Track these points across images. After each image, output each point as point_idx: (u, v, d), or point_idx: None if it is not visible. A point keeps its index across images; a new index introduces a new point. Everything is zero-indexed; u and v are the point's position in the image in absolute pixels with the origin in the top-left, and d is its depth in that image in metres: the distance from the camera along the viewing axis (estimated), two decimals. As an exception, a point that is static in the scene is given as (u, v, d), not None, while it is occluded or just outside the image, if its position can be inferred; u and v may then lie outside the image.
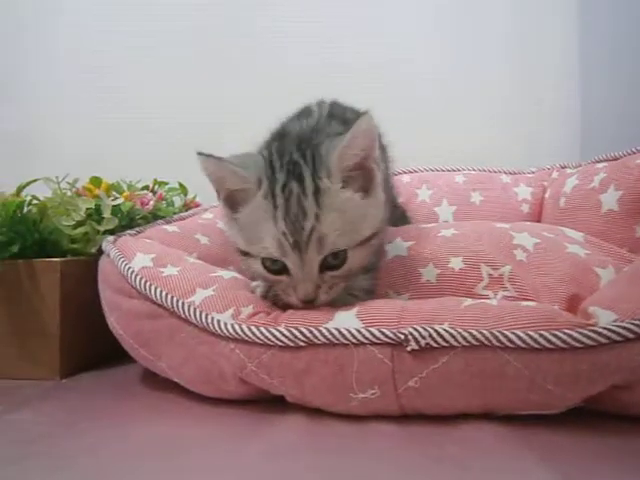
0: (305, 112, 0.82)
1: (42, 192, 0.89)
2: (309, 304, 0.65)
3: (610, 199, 0.94)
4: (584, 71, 1.39)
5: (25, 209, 0.84)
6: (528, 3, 1.42)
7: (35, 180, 0.87)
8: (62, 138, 1.34)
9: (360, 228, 0.66)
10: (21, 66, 1.38)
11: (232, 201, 0.69)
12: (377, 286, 0.74)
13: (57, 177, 0.90)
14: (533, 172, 1.21)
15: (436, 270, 0.71)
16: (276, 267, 0.66)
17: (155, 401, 0.71)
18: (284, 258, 0.64)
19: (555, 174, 1.16)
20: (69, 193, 0.93)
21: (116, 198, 0.90)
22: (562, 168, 1.17)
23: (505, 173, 1.21)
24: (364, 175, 0.67)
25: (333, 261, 0.65)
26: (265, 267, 0.66)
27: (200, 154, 0.66)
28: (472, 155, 1.32)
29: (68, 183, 0.92)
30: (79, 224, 0.85)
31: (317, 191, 0.64)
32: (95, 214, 0.89)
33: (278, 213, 0.64)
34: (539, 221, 1.13)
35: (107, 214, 0.86)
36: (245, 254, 0.69)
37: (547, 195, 1.14)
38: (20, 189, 0.85)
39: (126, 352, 0.77)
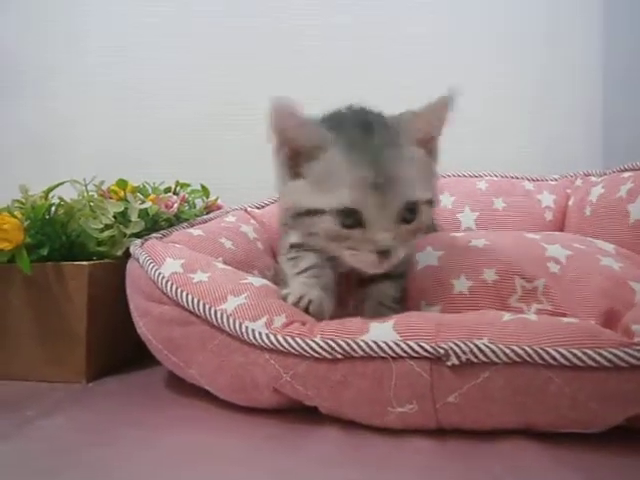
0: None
1: (67, 194, 0.89)
2: (384, 257, 0.63)
3: (639, 209, 0.93)
4: (607, 76, 1.39)
5: (52, 211, 0.84)
6: (554, 4, 1.41)
7: (63, 182, 0.87)
8: (83, 140, 1.34)
9: (429, 185, 0.68)
10: (42, 67, 1.38)
11: (294, 160, 0.68)
12: (407, 295, 0.74)
13: (84, 179, 0.90)
14: (556, 179, 1.20)
15: (468, 282, 0.71)
16: (349, 221, 0.64)
17: (183, 408, 0.71)
18: (362, 206, 0.63)
19: (579, 182, 1.16)
20: (95, 195, 0.93)
21: (143, 202, 0.90)
22: (586, 176, 1.16)
23: (528, 180, 1.20)
24: (428, 150, 0.69)
25: (408, 215, 0.65)
26: (337, 222, 0.64)
27: (276, 100, 0.63)
28: (493, 160, 1.32)
29: (95, 185, 0.92)
30: (107, 227, 0.85)
31: (395, 142, 0.65)
32: (121, 217, 0.89)
33: (358, 159, 0.63)
34: (562, 229, 1.12)
35: (134, 218, 0.86)
36: (310, 213, 0.66)
37: (570, 203, 1.13)
38: (48, 191, 0.85)
39: (150, 355, 0.77)
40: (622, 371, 0.50)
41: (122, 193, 0.94)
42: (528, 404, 0.54)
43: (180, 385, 0.75)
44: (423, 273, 0.75)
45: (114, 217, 0.87)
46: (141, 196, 0.97)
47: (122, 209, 0.85)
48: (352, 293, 0.79)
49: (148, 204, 0.88)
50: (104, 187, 0.97)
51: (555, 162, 1.37)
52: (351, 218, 0.64)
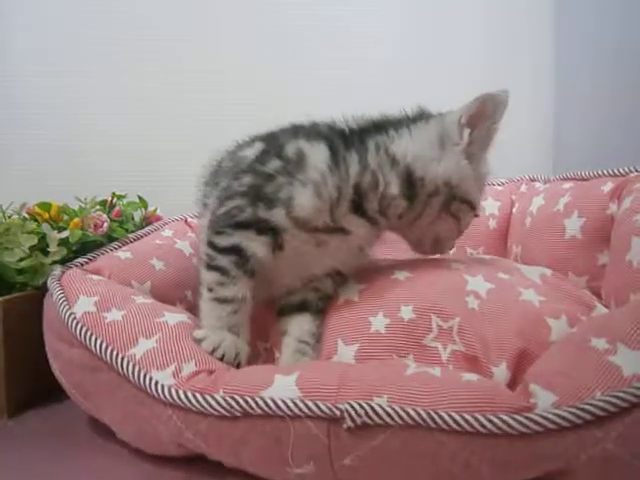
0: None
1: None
2: None
3: (574, 225, 0.91)
4: (559, 81, 1.36)
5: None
6: (502, 14, 1.37)
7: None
8: (18, 153, 1.29)
9: None
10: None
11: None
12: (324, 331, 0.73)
13: (1, 205, 0.87)
14: (502, 183, 1.19)
15: (385, 320, 0.69)
16: None
17: (97, 453, 0.69)
18: None
19: (524, 187, 1.14)
20: (16, 216, 0.90)
21: (63, 229, 0.86)
22: (531, 181, 1.14)
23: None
24: None
25: None
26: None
27: (505, 94, 0.74)
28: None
29: (13, 211, 0.89)
30: (24, 257, 0.82)
31: None
32: (42, 244, 0.86)
33: None
34: (506, 236, 1.11)
35: (53, 247, 0.83)
36: (463, 202, 0.77)
37: (515, 210, 1.12)
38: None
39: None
40: (513, 438, 0.49)
41: (46, 215, 0.91)
42: (424, 467, 0.53)
43: (98, 423, 0.73)
44: (342, 309, 0.73)
45: (33, 246, 0.83)
46: (66, 216, 0.93)
47: (36, 241, 0.82)
48: (272, 324, 0.78)
49: (66, 233, 0.85)
50: (29, 206, 0.93)
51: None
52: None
